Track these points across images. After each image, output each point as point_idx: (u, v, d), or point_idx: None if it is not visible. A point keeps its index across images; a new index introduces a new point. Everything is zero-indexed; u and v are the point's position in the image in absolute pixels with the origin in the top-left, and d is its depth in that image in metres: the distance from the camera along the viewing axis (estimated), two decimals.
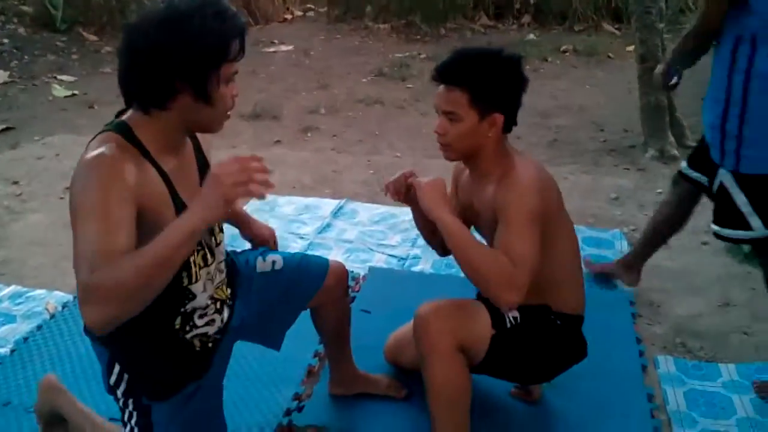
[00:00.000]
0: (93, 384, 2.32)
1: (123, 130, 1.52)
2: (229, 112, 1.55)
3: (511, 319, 1.89)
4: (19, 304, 2.80)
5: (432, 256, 3.17)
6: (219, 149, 3.84)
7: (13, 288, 2.92)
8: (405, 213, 3.54)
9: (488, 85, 1.82)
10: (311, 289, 1.99)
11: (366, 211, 3.60)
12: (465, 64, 1.84)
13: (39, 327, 2.65)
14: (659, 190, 3.83)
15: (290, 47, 7.35)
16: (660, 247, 2.86)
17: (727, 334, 2.63)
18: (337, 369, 2.25)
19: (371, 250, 3.26)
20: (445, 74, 1.85)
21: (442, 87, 1.85)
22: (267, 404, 2.21)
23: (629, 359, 2.46)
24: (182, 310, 1.67)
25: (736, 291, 2.90)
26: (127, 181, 1.42)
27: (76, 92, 5.84)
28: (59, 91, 5.85)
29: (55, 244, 3.32)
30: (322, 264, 2.04)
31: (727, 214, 2.23)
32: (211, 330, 1.74)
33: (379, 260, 3.17)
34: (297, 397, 2.27)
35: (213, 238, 1.72)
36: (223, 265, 1.78)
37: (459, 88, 1.82)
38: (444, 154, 1.92)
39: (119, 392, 1.69)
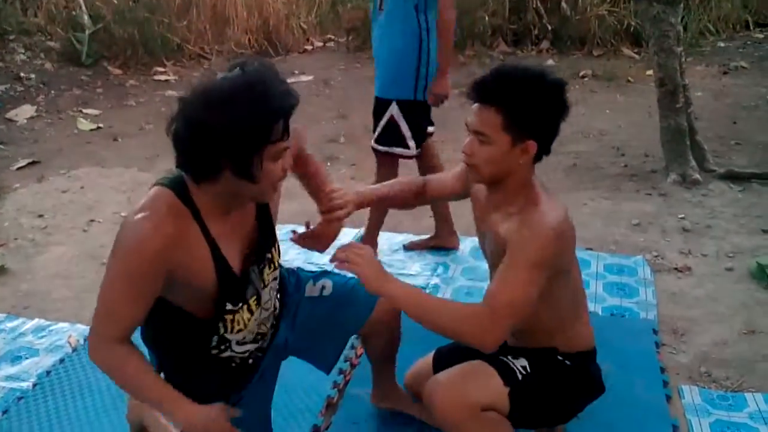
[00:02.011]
0: (114, 417, 2.34)
1: (179, 187, 1.57)
2: (278, 184, 1.59)
3: (521, 369, 1.85)
4: (42, 337, 2.83)
5: (452, 284, 3.17)
6: None
7: (36, 321, 2.95)
8: None
9: (526, 109, 1.69)
10: (358, 319, 1.99)
11: (386, 240, 3.60)
12: (504, 82, 1.72)
13: (61, 360, 2.67)
14: (681, 215, 3.80)
15: (310, 77, 7.42)
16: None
17: (753, 362, 2.58)
18: (379, 384, 2.24)
19: None
20: (481, 91, 1.73)
21: (476, 105, 1.74)
22: (295, 420, 2.20)
23: (653, 389, 2.42)
24: (221, 332, 1.70)
25: (762, 318, 2.85)
26: (159, 253, 1.50)
27: (101, 125, 5.94)
28: (84, 125, 5.94)
29: (79, 276, 3.36)
30: (373, 294, 2.03)
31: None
32: (251, 348, 1.78)
33: None
34: (316, 429, 2.26)
35: (262, 282, 1.74)
36: (269, 304, 1.80)
37: (494, 108, 1.70)
38: (470, 175, 1.83)
39: None
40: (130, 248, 1.51)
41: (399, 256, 3.47)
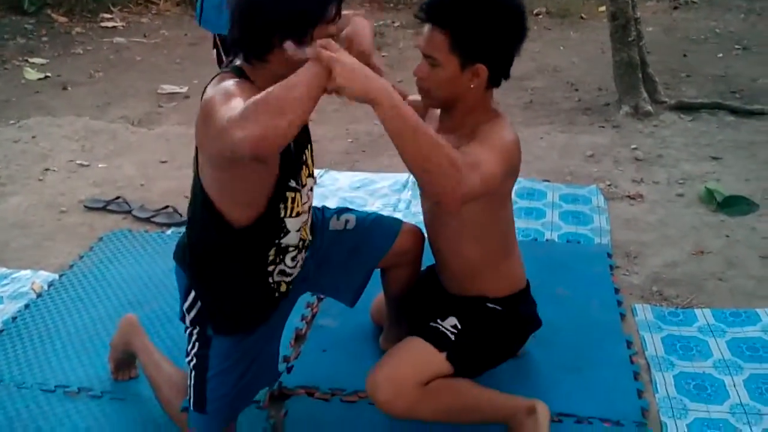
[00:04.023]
0: (84, 358, 2.36)
1: (238, 72, 1.60)
2: None
3: (451, 329, 1.85)
4: (4, 285, 2.81)
5: (413, 219, 3.22)
6: None
7: None
8: (385, 179, 3.58)
9: (472, 31, 1.64)
10: (380, 249, 2.02)
11: (346, 178, 3.62)
12: (452, 2, 1.66)
13: (26, 306, 2.66)
14: (634, 146, 3.89)
15: None
16: None
17: (702, 280, 2.70)
18: (390, 328, 2.25)
19: None
20: (430, 12, 1.68)
21: (427, 26, 1.69)
22: None
23: (608, 309, 2.52)
24: (277, 242, 1.76)
25: (710, 239, 2.97)
26: None
27: (48, 74, 5.77)
28: (31, 74, 5.77)
29: (37, 225, 3.32)
30: (394, 225, 2.05)
31: None
32: (294, 272, 1.84)
33: None
34: (286, 359, 2.31)
35: (299, 180, 1.76)
36: (307, 206, 1.84)
37: (442, 29, 1.65)
38: (422, 100, 1.79)
39: (188, 319, 1.83)
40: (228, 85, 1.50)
41: (359, 193, 3.50)
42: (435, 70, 1.70)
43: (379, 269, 2.13)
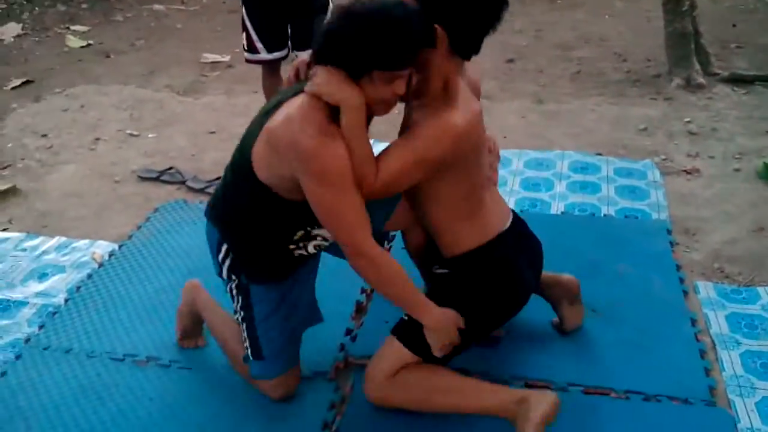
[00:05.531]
0: (149, 327, 2.40)
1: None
2: (386, 107, 1.70)
3: (405, 315, 1.91)
4: (65, 255, 2.86)
5: None
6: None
7: (57, 239, 2.97)
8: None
9: None
10: (384, 212, 2.01)
11: None
12: None
13: (89, 276, 2.71)
14: (687, 119, 3.83)
15: None
16: None
17: (763, 258, 2.67)
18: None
19: None
20: None
21: None
22: (323, 341, 2.27)
23: (670, 286, 2.50)
24: (308, 228, 1.85)
25: None
26: (346, 159, 1.66)
27: (90, 42, 5.79)
28: (74, 42, 5.80)
29: (92, 194, 3.36)
30: (396, 197, 2.05)
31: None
32: (313, 251, 1.94)
33: None
34: (349, 332, 2.33)
35: None
36: None
37: None
38: None
39: (224, 271, 1.97)
40: (332, 168, 1.64)
41: None
42: None
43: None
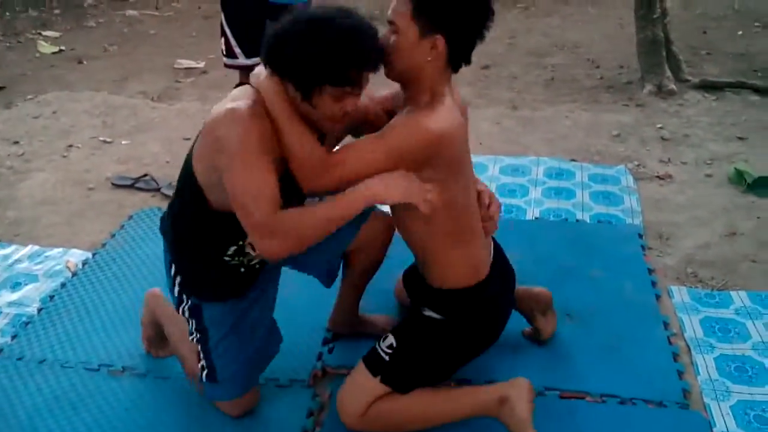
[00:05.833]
0: (124, 335, 2.38)
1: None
2: (334, 124, 1.70)
3: (386, 350, 1.88)
4: (39, 263, 2.82)
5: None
6: None
7: (30, 248, 2.92)
8: None
9: None
10: (351, 227, 1.97)
11: None
12: None
13: (63, 285, 2.67)
14: (660, 125, 3.88)
15: None
16: None
17: (735, 262, 2.71)
18: (341, 310, 2.28)
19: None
20: None
21: None
22: (299, 350, 2.26)
23: (643, 290, 2.53)
24: (240, 243, 1.82)
25: (741, 220, 2.97)
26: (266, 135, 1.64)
27: (62, 48, 5.74)
28: (45, 48, 5.73)
29: (66, 202, 3.32)
30: (365, 213, 2.06)
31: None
32: (258, 259, 1.89)
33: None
34: (326, 341, 2.33)
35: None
36: None
37: None
38: (384, 70, 1.73)
39: (176, 289, 1.94)
40: (238, 138, 1.60)
41: None
42: (395, 38, 1.67)
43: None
